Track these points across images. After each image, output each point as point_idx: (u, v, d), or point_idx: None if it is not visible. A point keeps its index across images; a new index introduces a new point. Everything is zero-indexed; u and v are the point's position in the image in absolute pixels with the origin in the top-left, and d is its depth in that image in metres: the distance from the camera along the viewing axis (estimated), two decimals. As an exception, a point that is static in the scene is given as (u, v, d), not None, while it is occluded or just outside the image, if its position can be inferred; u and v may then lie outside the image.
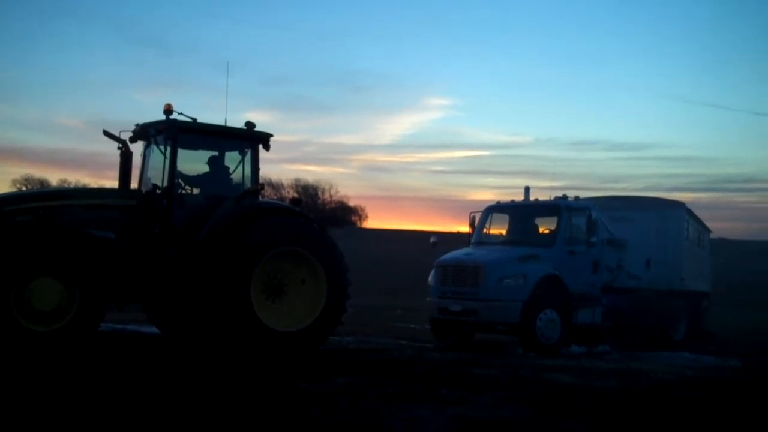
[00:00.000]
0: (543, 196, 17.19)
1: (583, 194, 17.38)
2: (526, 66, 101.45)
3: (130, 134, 12.95)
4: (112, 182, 13.07)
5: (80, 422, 7.05)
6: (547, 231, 16.39)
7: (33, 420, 7.06)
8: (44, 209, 11.56)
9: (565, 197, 16.69)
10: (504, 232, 17.12)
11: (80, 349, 10.98)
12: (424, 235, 27.81)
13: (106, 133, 12.76)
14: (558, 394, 9.69)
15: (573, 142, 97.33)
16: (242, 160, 13.21)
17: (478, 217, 17.21)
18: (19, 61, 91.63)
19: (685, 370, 12.92)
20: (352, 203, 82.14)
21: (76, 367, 10.06)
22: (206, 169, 13.19)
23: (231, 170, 13.28)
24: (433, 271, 16.19)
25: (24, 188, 46.10)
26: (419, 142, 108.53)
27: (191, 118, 12.67)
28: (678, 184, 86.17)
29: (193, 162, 13.16)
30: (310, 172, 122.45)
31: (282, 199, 33.02)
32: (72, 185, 39.07)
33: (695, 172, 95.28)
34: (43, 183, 54.49)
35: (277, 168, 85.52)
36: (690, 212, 19.42)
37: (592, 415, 8.38)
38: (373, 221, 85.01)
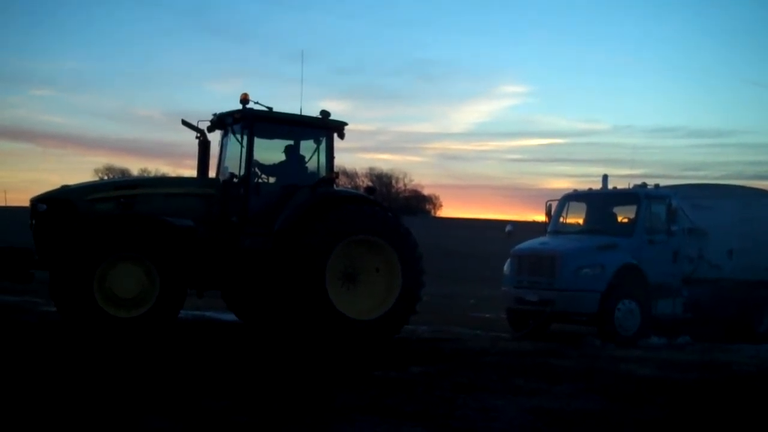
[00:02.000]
0: (621, 185, 16.88)
1: (662, 182, 17.00)
2: (602, 51, 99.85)
3: (208, 124, 13.16)
4: (191, 171, 13.36)
5: (162, 404, 7.21)
6: (625, 220, 16.10)
7: (109, 403, 7.24)
8: (125, 198, 11.84)
9: (644, 185, 16.36)
10: (581, 221, 16.87)
11: (161, 335, 11.23)
12: (499, 224, 27.58)
13: (185, 123, 13.00)
14: (635, 386, 9.50)
15: (651, 129, 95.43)
16: (317, 149, 13.28)
17: (554, 205, 16.99)
18: (99, 54, 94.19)
19: (769, 362, 12.56)
20: (426, 192, 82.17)
21: (157, 353, 10.28)
22: (282, 157, 13.31)
23: (306, 159, 13.36)
24: (508, 261, 16.06)
25: (106, 177, 47.29)
26: (494, 130, 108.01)
27: (267, 107, 12.79)
28: (761, 172, 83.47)
29: (270, 151, 13.30)
30: (385, 161, 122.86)
31: (356, 187, 33.21)
32: (152, 174, 39.89)
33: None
34: (124, 172, 55.92)
35: (352, 157, 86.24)
36: (775, 200, 18.82)
37: (669, 408, 8.21)
38: (448, 210, 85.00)
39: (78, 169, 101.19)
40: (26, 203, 12.27)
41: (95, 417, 6.70)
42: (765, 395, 9.29)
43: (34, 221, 11.71)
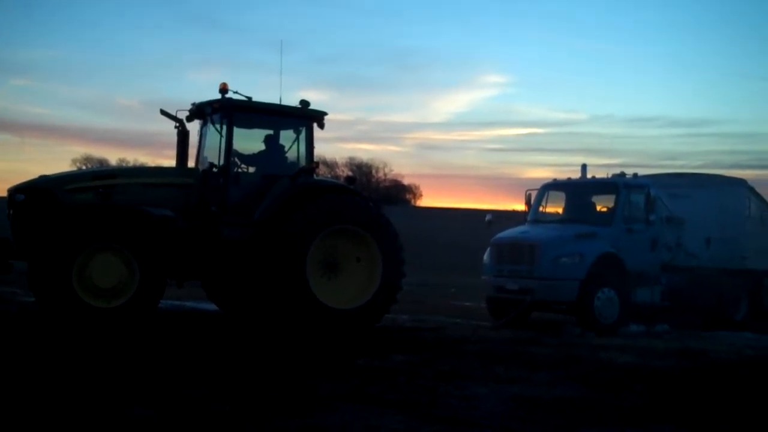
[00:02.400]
0: (600, 174, 16.95)
1: (641, 172, 17.11)
2: (581, 41, 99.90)
3: (187, 113, 13.10)
4: (170, 161, 13.30)
5: (145, 393, 7.19)
6: (604, 209, 16.18)
7: (92, 393, 7.21)
8: (104, 188, 11.77)
9: (623, 174, 16.45)
10: (560, 210, 16.93)
11: (141, 325, 11.19)
12: (479, 214, 27.66)
13: (163, 113, 12.94)
14: (615, 373, 9.59)
15: (630, 119, 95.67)
16: (297, 139, 13.26)
17: (534, 195, 17.04)
18: (77, 42, 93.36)
19: (746, 349, 12.69)
20: (406, 182, 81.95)
21: (138, 343, 10.25)
22: (262, 147, 13.28)
23: (286, 149, 13.34)
24: (488, 250, 16.11)
25: (84, 167, 46.94)
26: (474, 119, 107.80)
27: (246, 96, 12.75)
28: (739, 161, 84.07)
29: (249, 140, 13.26)
30: (364, 151, 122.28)
31: (336, 177, 33.21)
32: (130, 164, 39.67)
33: (757, 149, 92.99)
34: (102, 162, 55.41)
35: (332, 147, 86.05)
36: (752, 189, 18.97)
37: (648, 395, 8.29)
38: (428, 199, 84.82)
39: (57, 159, 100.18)
40: (4, 193, 12.18)
41: (77, 406, 6.68)
42: (741, 382, 9.40)
43: (11, 211, 11.62)
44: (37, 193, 11.55)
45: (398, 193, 78.52)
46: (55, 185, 11.68)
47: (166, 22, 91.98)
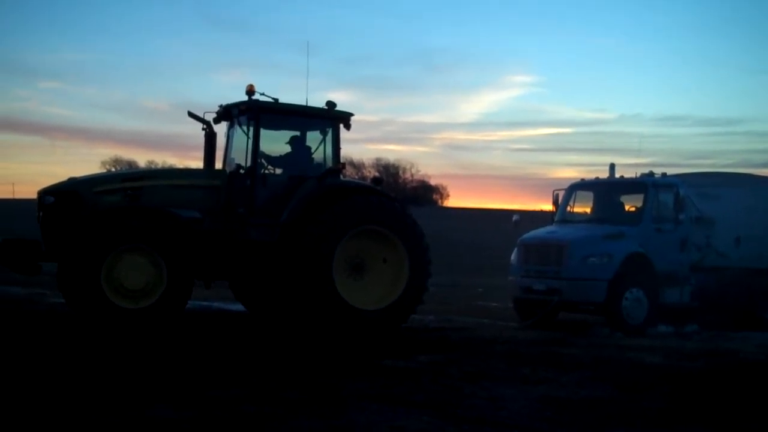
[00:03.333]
0: (628, 174, 16.81)
1: (670, 171, 16.93)
2: (609, 40, 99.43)
3: (214, 115, 13.16)
4: (197, 162, 13.39)
5: (170, 393, 7.24)
6: (633, 209, 16.05)
7: (117, 392, 7.27)
8: (132, 190, 11.86)
9: (651, 174, 16.32)
10: (588, 210, 16.82)
11: (169, 326, 11.26)
12: (506, 214, 27.55)
13: (191, 115, 13.02)
14: (643, 374, 9.51)
15: (659, 118, 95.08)
16: (323, 140, 13.27)
17: (561, 195, 16.94)
18: (105, 45, 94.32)
19: (777, 350, 12.53)
20: (433, 182, 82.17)
21: (165, 343, 10.32)
22: (288, 149, 13.30)
23: (313, 150, 13.35)
24: (515, 250, 16.04)
25: (113, 169, 47.32)
26: (501, 120, 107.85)
27: (273, 98, 12.78)
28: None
29: (276, 142, 13.29)
30: (391, 152, 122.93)
31: (363, 178, 33.24)
32: (159, 166, 39.91)
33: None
34: (131, 164, 55.77)
35: (358, 147, 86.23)
36: (783, 188, 18.74)
37: (677, 396, 8.21)
38: (455, 200, 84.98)
39: (85, 161, 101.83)
40: (34, 195, 12.30)
41: (104, 406, 6.74)
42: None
43: (41, 213, 11.74)
44: (66, 195, 11.66)
45: (425, 194, 78.68)
46: (83, 187, 11.79)
47: (192, 25, 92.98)
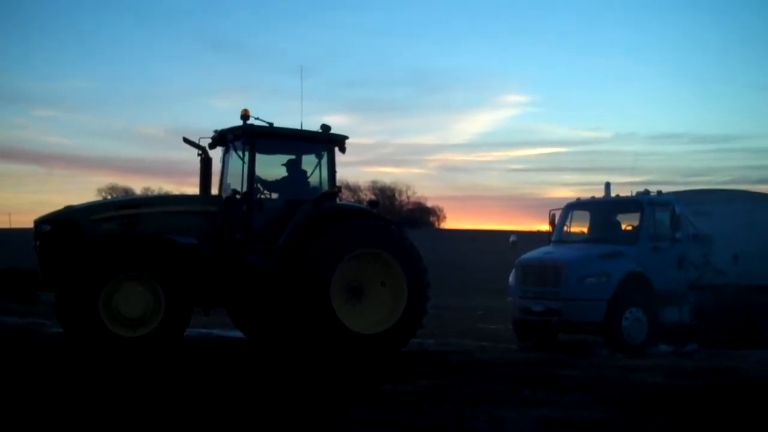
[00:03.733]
0: (624, 192, 16.84)
1: (665, 189, 16.97)
2: (603, 59, 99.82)
3: (209, 141, 13.17)
4: (193, 189, 13.37)
5: (170, 421, 7.18)
6: (629, 227, 16.05)
7: (122, 422, 7.22)
8: (128, 217, 11.85)
9: (647, 192, 16.33)
10: (585, 229, 16.82)
11: (168, 354, 11.20)
12: (503, 235, 27.54)
13: (186, 141, 13.02)
14: (644, 394, 9.47)
15: (654, 136, 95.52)
16: (319, 164, 13.28)
17: (558, 215, 16.94)
18: (100, 73, 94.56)
19: (778, 368, 12.49)
20: (429, 204, 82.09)
21: (164, 371, 10.25)
22: (284, 173, 13.31)
23: (308, 174, 13.36)
24: (513, 271, 16.01)
25: (109, 197, 47.32)
26: (496, 140, 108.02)
27: (268, 122, 12.80)
28: (765, 176, 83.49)
29: (272, 166, 13.30)
30: (387, 174, 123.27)
31: (359, 201, 33.18)
32: (155, 193, 39.92)
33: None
34: (127, 191, 55.84)
35: (354, 170, 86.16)
36: (780, 204, 18.76)
37: (680, 417, 8.16)
38: (451, 222, 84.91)
39: (82, 189, 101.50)
40: (31, 225, 12.27)
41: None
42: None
43: (38, 242, 11.71)
44: (63, 224, 11.64)
45: (422, 216, 78.62)
46: (80, 216, 11.77)
47: (186, 50, 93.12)
